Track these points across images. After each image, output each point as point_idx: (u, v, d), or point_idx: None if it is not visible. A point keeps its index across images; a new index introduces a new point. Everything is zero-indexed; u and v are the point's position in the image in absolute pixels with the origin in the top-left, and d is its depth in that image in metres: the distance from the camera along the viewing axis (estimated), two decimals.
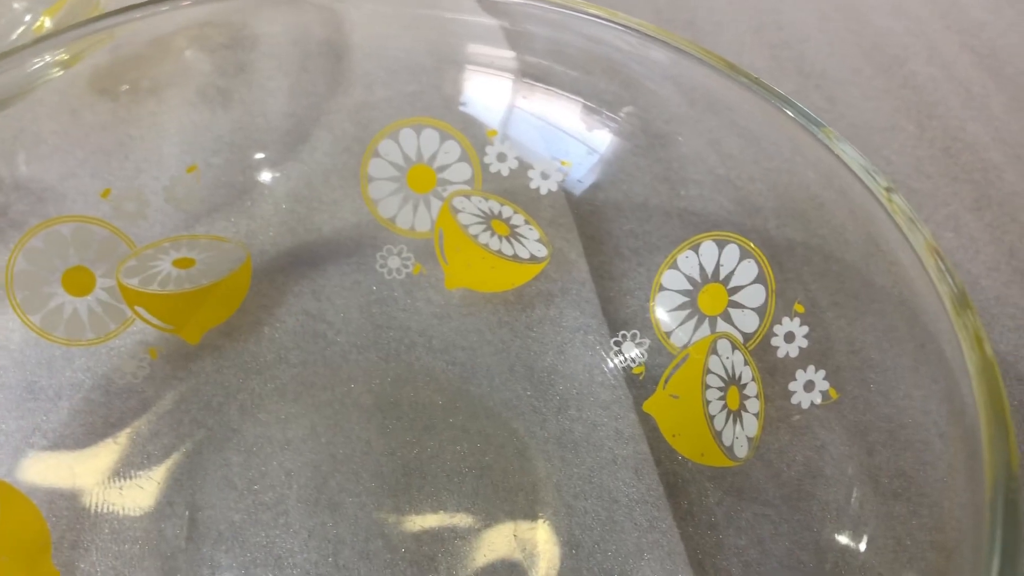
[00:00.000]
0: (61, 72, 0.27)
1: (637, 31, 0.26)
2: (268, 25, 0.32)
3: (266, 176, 0.32)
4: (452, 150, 0.30)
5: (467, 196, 0.30)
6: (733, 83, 0.25)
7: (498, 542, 0.25)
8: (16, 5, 0.34)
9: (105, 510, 0.25)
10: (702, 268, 0.28)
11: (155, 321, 0.28)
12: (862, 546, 0.23)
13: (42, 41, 0.25)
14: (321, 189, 0.33)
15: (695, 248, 0.28)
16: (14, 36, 0.34)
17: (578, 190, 0.30)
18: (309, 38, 0.33)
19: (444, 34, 0.32)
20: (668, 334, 0.28)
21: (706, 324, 0.27)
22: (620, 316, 0.30)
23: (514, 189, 0.30)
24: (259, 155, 0.33)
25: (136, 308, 0.28)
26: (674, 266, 0.28)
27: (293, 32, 0.33)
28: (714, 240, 0.28)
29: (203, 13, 0.29)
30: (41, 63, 0.26)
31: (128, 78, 0.31)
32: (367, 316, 0.30)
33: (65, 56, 0.27)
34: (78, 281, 0.27)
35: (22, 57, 0.25)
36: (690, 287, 0.28)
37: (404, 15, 0.32)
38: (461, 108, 0.30)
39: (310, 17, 0.33)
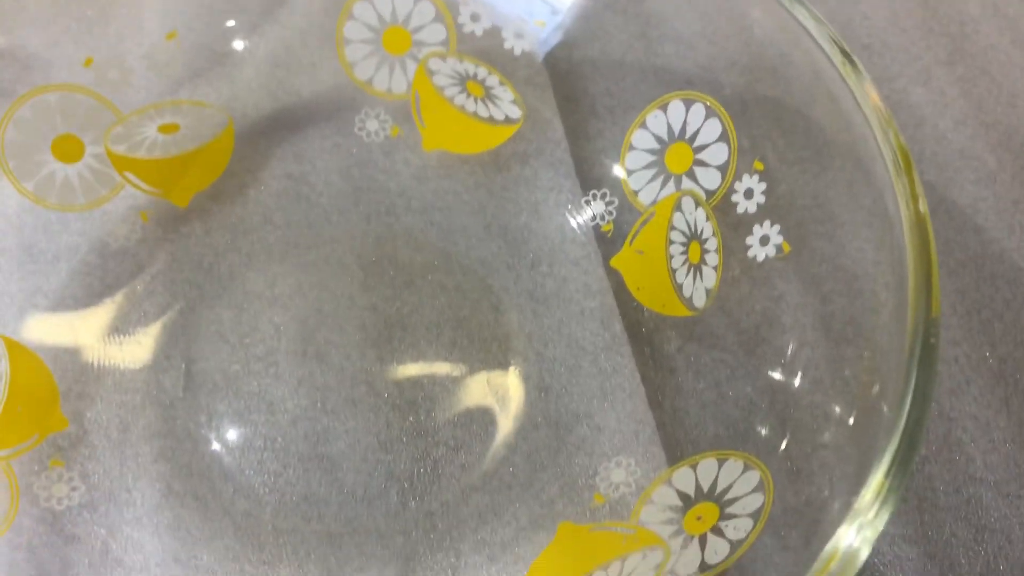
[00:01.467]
0: None
1: None
2: None
3: (245, 41, 0.32)
4: (426, 11, 0.31)
5: (442, 58, 0.31)
6: None
7: (473, 388, 0.27)
8: None
9: (106, 364, 0.27)
10: (669, 127, 0.29)
11: (144, 186, 0.29)
12: (807, 384, 0.25)
13: None
14: (300, 52, 0.33)
15: (663, 107, 0.29)
16: None
17: (553, 49, 0.31)
18: None
19: None
20: (636, 192, 0.29)
21: (672, 182, 0.28)
22: (592, 175, 0.31)
23: (488, 50, 0.31)
24: (237, 19, 0.33)
25: (125, 174, 0.29)
26: (643, 125, 0.29)
27: None
28: (681, 99, 0.28)
29: None
30: None
31: None
32: (347, 178, 0.31)
33: None
34: (68, 149, 0.29)
35: None
36: (658, 146, 0.29)
37: None
38: None
39: None
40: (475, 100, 0.31)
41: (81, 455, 0.25)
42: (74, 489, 0.25)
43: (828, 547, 0.18)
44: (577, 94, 0.32)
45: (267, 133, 0.32)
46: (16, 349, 0.26)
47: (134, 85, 0.30)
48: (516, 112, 0.31)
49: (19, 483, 0.24)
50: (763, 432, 0.25)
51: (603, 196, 0.30)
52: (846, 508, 0.19)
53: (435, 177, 0.31)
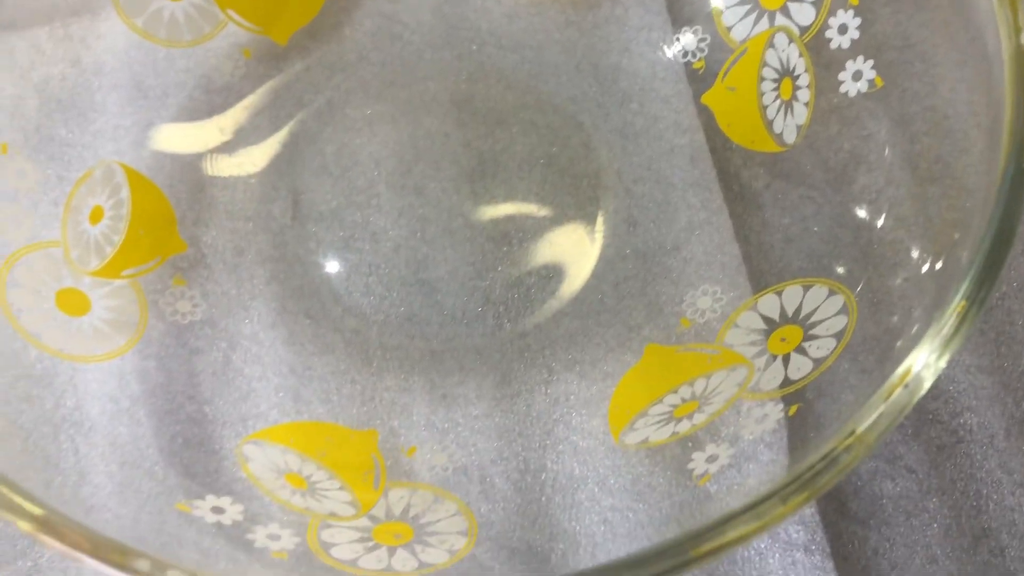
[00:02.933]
0: None
1: None
2: None
3: None
4: None
5: None
6: None
7: (564, 221, 0.28)
8: None
9: (217, 193, 0.29)
10: None
11: (245, 23, 0.30)
12: (891, 222, 0.25)
13: None
14: None
15: None
16: None
17: None
18: None
19: None
20: (729, 29, 0.29)
21: (765, 18, 0.28)
22: (683, 12, 0.31)
23: None
24: None
25: (228, 11, 0.30)
26: None
27: None
28: None
29: None
30: None
31: None
32: (439, 16, 0.32)
33: None
34: None
35: None
36: None
37: None
38: None
39: None
40: None
41: (200, 276, 0.27)
42: (196, 306, 0.27)
43: (900, 368, 0.19)
44: None
45: None
46: (135, 177, 0.28)
47: None
48: None
49: (147, 299, 0.26)
50: (846, 266, 0.26)
51: (695, 32, 0.30)
52: (921, 335, 0.19)
53: (526, 15, 0.32)
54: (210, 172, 0.29)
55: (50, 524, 0.18)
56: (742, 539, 0.17)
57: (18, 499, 0.18)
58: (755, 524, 0.17)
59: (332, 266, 0.28)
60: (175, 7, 0.30)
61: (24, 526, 0.18)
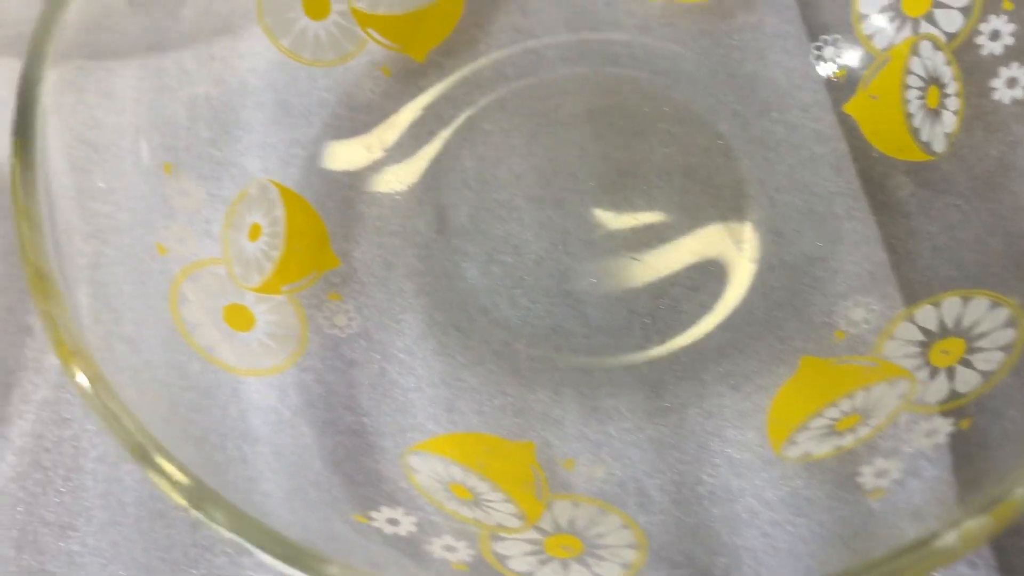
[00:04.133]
0: None
1: None
2: None
3: None
4: None
5: None
6: None
7: (707, 232, 0.29)
8: None
9: (365, 209, 0.30)
10: None
11: (385, 41, 0.31)
12: None
13: None
14: None
15: None
16: None
17: None
18: None
19: None
20: (870, 37, 0.29)
21: (908, 26, 0.28)
22: (820, 21, 0.31)
23: None
24: None
25: (368, 30, 0.31)
26: None
27: None
28: None
29: None
30: None
31: None
32: (573, 30, 0.32)
33: None
34: (316, 6, 0.30)
35: None
36: None
37: None
38: None
39: None
40: None
41: (353, 290, 0.28)
42: (351, 319, 0.28)
43: None
44: None
45: None
46: (288, 194, 0.29)
47: None
48: None
49: (305, 313, 0.27)
50: (1001, 277, 0.26)
51: (834, 41, 0.30)
52: None
53: (658, 27, 0.32)
54: (357, 188, 0.30)
55: (240, 526, 0.18)
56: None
57: (207, 504, 0.18)
58: (929, 561, 0.17)
59: (477, 279, 0.28)
60: (318, 27, 0.30)
61: (216, 527, 0.18)
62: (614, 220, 0.29)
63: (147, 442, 0.19)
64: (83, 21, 0.26)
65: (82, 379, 0.19)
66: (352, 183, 0.30)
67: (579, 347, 0.27)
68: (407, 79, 0.31)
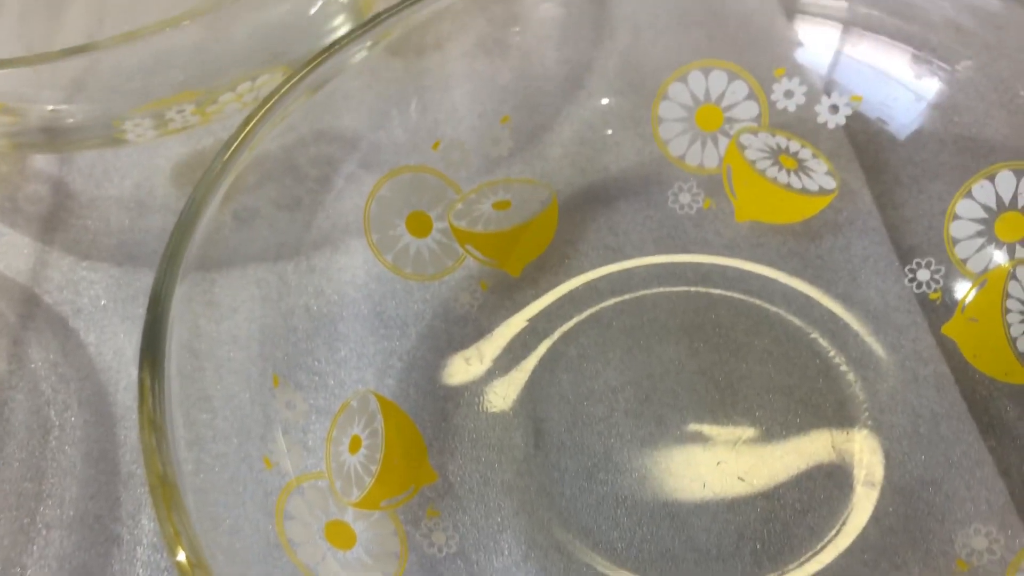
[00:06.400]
0: (367, 53, 0.30)
1: None
2: None
3: (557, 119, 0.35)
4: (739, 89, 0.32)
5: (754, 133, 0.32)
6: None
7: (811, 453, 0.28)
8: None
9: (461, 422, 0.29)
10: (999, 197, 0.29)
11: (482, 257, 0.32)
12: None
13: (357, 35, 0.28)
14: (603, 131, 0.35)
15: (991, 178, 0.29)
16: (313, 11, 0.37)
17: (849, 120, 0.32)
18: None
19: None
20: (964, 261, 0.29)
21: (1004, 251, 0.29)
22: (909, 243, 0.31)
23: (801, 123, 0.32)
24: (542, 100, 0.36)
25: (466, 246, 0.32)
26: (969, 195, 0.30)
27: None
28: (1011, 170, 0.29)
29: None
30: (357, 51, 0.29)
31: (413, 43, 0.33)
32: (663, 248, 0.33)
33: (371, 43, 0.29)
34: (418, 223, 0.31)
35: (344, 54, 0.28)
36: (985, 215, 0.29)
37: None
38: (778, 49, 0.32)
39: None
40: (787, 172, 0.32)
41: (450, 506, 0.27)
42: (449, 538, 0.27)
43: None
44: (879, 164, 0.33)
45: (582, 207, 0.34)
46: (387, 406, 0.29)
47: (471, 165, 0.33)
48: (831, 183, 0.32)
49: (404, 530, 0.26)
50: None
51: (927, 264, 0.30)
52: None
53: (747, 246, 0.33)
54: (454, 401, 0.30)
55: None
56: None
57: None
58: None
59: (577, 497, 0.28)
60: (420, 243, 0.31)
61: None
62: (717, 439, 0.29)
63: None
64: (200, 236, 0.27)
65: None
66: (449, 395, 0.30)
67: (688, 572, 0.26)
68: (503, 293, 0.32)
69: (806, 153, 0.32)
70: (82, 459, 0.30)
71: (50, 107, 0.33)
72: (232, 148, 0.26)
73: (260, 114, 0.26)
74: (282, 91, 0.27)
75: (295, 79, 0.27)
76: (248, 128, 0.26)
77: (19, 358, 0.32)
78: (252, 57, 0.34)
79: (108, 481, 0.30)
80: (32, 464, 0.30)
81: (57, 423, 0.31)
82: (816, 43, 0.32)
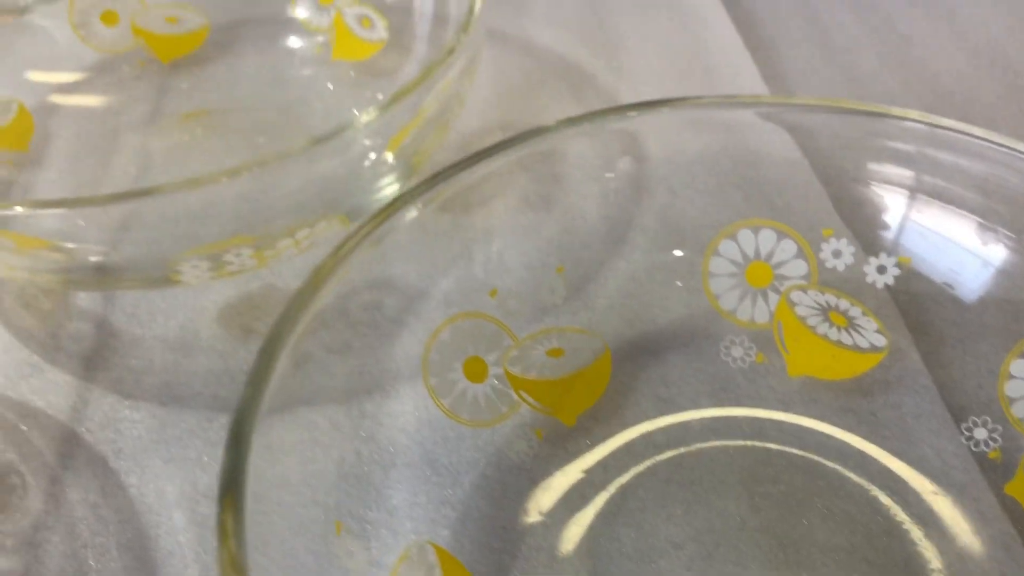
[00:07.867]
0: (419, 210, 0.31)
1: None
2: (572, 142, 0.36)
3: (602, 271, 0.36)
4: (788, 248, 0.33)
5: (803, 290, 0.33)
6: None
7: None
8: (366, 142, 0.37)
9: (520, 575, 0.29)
10: None
11: (537, 404, 0.32)
12: None
13: (414, 196, 0.29)
14: (648, 284, 0.36)
15: None
16: (366, 164, 0.38)
17: (908, 284, 0.33)
18: (610, 148, 0.37)
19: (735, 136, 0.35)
20: (1021, 420, 0.30)
21: None
22: (961, 402, 0.31)
23: (849, 283, 0.33)
24: (586, 253, 0.37)
25: (521, 393, 0.32)
26: (1022, 355, 0.30)
27: (596, 146, 0.37)
28: None
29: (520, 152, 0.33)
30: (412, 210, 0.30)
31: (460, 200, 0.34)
32: (716, 401, 0.33)
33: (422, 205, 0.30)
34: (475, 369, 0.31)
35: (396, 217, 0.29)
36: None
37: (691, 119, 0.35)
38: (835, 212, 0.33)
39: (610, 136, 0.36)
40: (838, 329, 0.33)
41: None
42: None
43: None
44: (923, 324, 0.34)
45: (633, 357, 0.34)
46: (445, 557, 0.28)
47: (525, 313, 0.33)
48: (881, 341, 0.32)
49: None
50: None
51: (984, 423, 0.31)
52: None
53: (800, 401, 0.33)
54: (510, 553, 0.29)
55: None
56: None
57: None
58: None
59: None
60: (477, 389, 0.31)
61: None
62: None
63: None
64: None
65: None
66: (505, 547, 0.29)
67: None
68: (556, 442, 0.32)
69: (856, 311, 0.33)
70: None
71: (100, 247, 0.34)
72: (304, 297, 0.26)
73: (329, 265, 0.27)
74: (347, 245, 0.27)
75: (360, 233, 0.27)
76: (318, 279, 0.26)
77: (56, 498, 0.31)
78: (305, 207, 0.34)
79: None
80: None
81: (95, 567, 0.29)
82: (864, 206, 0.33)
